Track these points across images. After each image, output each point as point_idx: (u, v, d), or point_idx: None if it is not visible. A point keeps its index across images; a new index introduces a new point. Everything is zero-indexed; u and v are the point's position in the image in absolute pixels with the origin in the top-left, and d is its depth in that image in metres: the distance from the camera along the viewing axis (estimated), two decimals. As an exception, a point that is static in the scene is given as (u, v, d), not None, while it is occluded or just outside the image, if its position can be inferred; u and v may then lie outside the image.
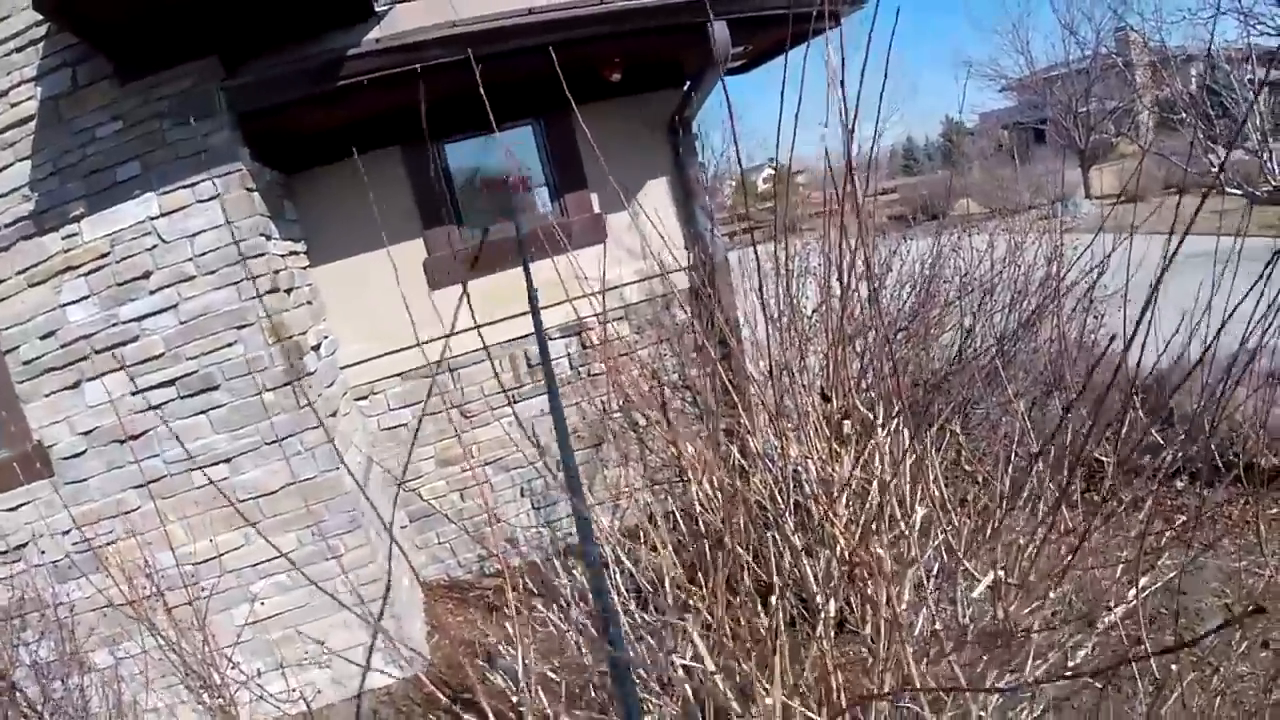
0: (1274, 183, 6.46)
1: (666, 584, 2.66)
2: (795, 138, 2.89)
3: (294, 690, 4.53)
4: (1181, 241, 1.99)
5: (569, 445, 1.35)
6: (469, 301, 2.58)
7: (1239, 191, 6.57)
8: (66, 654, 4.27)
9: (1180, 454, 2.89)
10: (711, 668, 2.31)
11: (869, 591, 2.15)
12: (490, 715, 2.39)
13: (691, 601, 2.41)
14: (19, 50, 4.39)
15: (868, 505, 2.35)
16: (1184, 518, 2.73)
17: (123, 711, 4.40)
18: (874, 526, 2.22)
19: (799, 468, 2.70)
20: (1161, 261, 2.06)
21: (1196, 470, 3.40)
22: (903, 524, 2.32)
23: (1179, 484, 3.28)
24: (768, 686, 2.15)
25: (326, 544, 4.57)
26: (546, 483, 6.15)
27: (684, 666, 2.42)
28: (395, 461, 5.73)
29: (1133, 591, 2.32)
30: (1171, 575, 2.44)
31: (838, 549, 2.33)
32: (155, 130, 4.42)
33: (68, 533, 4.57)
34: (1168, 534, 2.44)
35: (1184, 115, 7.31)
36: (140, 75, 4.37)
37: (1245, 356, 2.79)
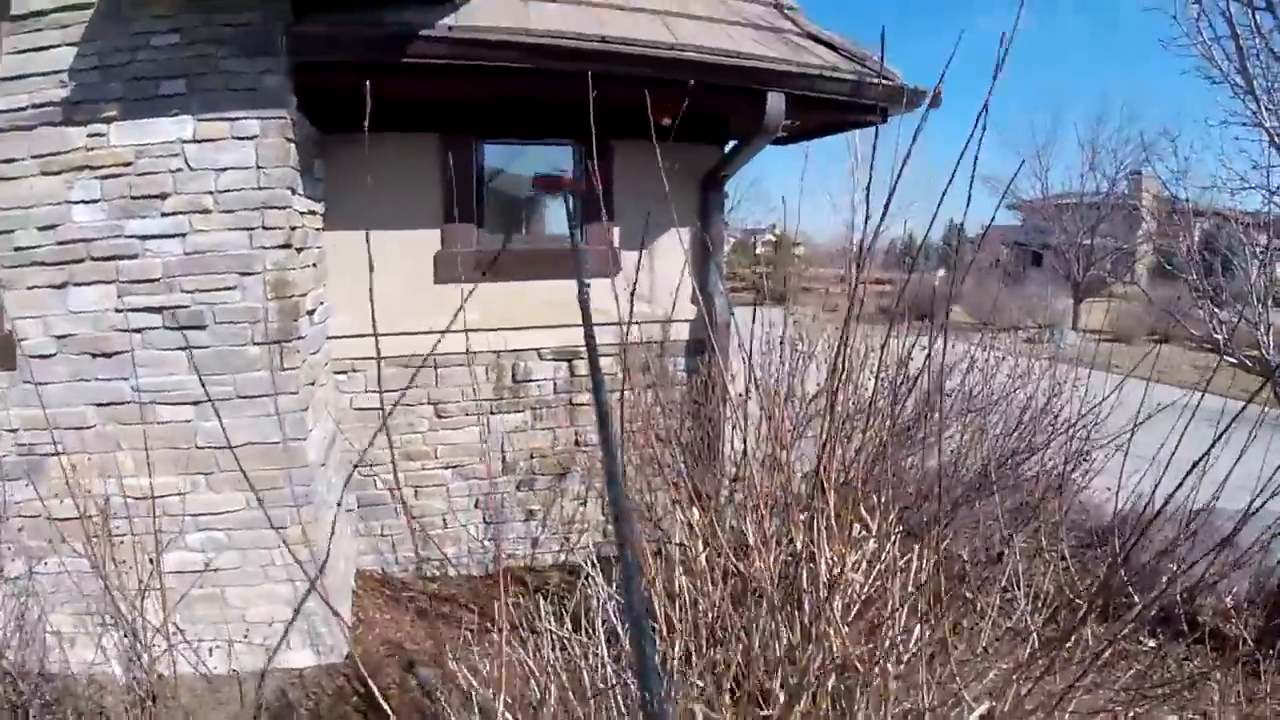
0: (1265, 354, 6.55)
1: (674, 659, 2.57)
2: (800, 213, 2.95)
3: (200, 642, 4.42)
4: (1201, 401, 2.01)
5: (611, 439, 1.30)
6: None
7: (1233, 360, 6.66)
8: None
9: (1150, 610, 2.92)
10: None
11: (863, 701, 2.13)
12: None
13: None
14: (92, -67, 4.26)
15: (870, 613, 2.34)
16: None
17: (24, 625, 4.24)
18: (874, 636, 2.21)
19: (794, 556, 2.67)
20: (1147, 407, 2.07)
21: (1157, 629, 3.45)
22: (899, 643, 2.30)
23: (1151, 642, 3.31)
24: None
25: (274, 512, 4.45)
26: (503, 499, 6.08)
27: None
28: (359, 444, 5.62)
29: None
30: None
31: (829, 648, 2.29)
32: (210, 55, 4.32)
33: (14, 431, 4.40)
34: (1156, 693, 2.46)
35: (1183, 275, 7.41)
36: (211, -5, 4.29)
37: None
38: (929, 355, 3.00)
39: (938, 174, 2.35)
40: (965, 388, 5.84)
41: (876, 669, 2.24)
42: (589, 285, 4.33)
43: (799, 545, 2.50)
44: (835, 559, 2.41)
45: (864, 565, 2.51)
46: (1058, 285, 30.64)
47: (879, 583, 2.48)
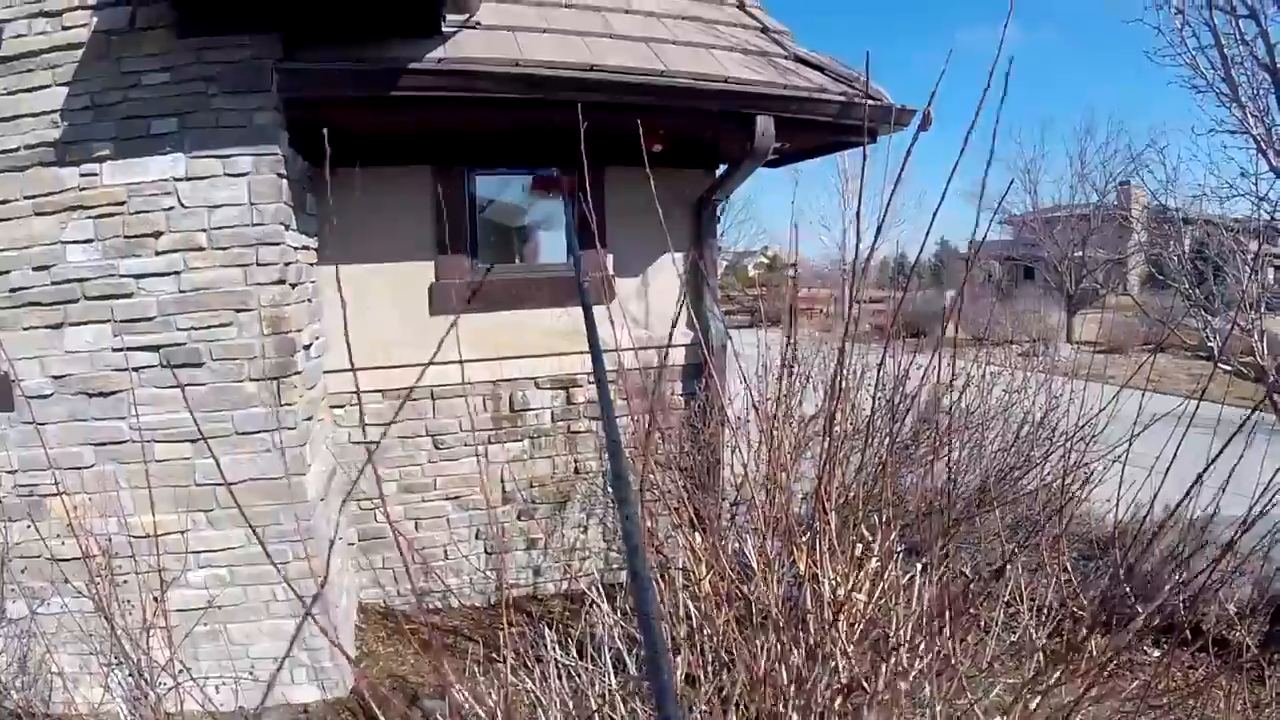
0: (1260, 362, 6.57)
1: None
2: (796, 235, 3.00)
3: (206, 679, 4.38)
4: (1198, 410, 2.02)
5: (620, 454, 1.30)
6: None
7: (1228, 368, 6.67)
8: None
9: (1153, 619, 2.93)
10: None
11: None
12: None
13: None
14: (81, -27, 4.30)
15: (877, 634, 2.34)
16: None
17: (28, 667, 4.23)
18: (880, 655, 2.21)
19: (797, 577, 2.67)
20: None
21: (1160, 638, 3.44)
22: (906, 661, 2.30)
23: (1155, 652, 3.31)
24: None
25: (275, 548, 4.43)
26: (504, 529, 6.06)
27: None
28: (358, 477, 5.61)
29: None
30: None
31: (835, 668, 2.29)
32: (201, 93, 4.35)
33: (14, 472, 4.40)
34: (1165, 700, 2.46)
35: (1174, 284, 7.45)
36: (200, 33, 4.31)
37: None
38: (924, 374, 3.02)
39: (929, 191, 2.37)
40: (962, 404, 5.86)
41: (884, 688, 2.24)
42: (588, 281, 4.32)
43: (802, 567, 2.51)
44: (838, 579, 2.42)
45: (867, 585, 2.51)
46: (1050, 298, 30.70)
47: (883, 602, 2.49)
